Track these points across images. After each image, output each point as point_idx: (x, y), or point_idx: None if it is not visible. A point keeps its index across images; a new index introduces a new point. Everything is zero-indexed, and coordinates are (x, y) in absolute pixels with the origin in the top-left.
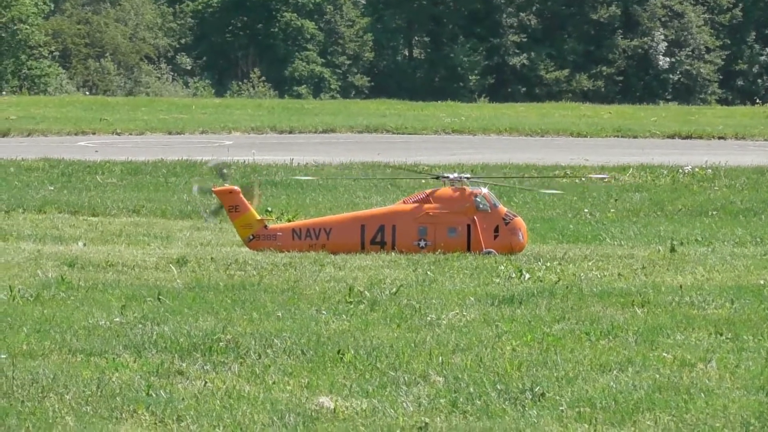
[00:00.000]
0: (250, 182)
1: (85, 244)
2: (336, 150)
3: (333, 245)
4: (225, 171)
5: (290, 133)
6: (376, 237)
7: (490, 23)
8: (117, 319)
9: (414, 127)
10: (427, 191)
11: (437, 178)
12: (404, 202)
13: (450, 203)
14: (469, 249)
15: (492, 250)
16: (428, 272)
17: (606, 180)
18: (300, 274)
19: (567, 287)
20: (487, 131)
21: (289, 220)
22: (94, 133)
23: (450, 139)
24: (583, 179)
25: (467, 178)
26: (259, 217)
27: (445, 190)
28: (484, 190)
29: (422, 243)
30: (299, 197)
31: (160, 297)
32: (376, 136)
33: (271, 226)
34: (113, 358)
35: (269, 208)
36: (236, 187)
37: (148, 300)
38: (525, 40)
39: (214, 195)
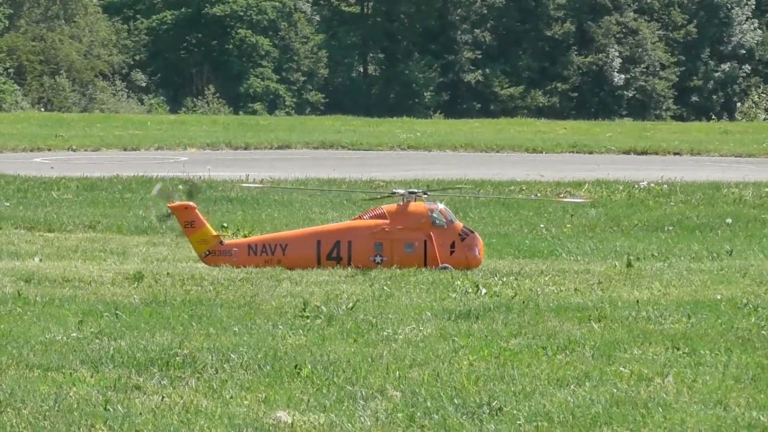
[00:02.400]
0: (197, 191)
1: (41, 260)
2: (291, 166)
3: (289, 261)
4: (171, 192)
5: (245, 149)
6: (332, 252)
7: (445, 40)
8: (74, 335)
9: (369, 143)
10: (384, 207)
11: (393, 194)
12: (360, 218)
13: (406, 219)
14: (425, 264)
15: (448, 265)
16: (384, 287)
17: (584, 201)
18: (256, 289)
19: (523, 302)
20: (442, 147)
21: (245, 236)
22: (49, 150)
23: (405, 155)
24: (561, 196)
25: (424, 193)
26: (215, 233)
27: (402, 206)
28: (441, 206)
29: (378, 258)
30: (255, 213)
31: (117, 312)
32: (332, 152)
33: (226, 241)
34: (70, 373)
35: (225, 224)
36: (192, 203)
37: (104, 315)
38: (480, 56)
39: (170, 209)
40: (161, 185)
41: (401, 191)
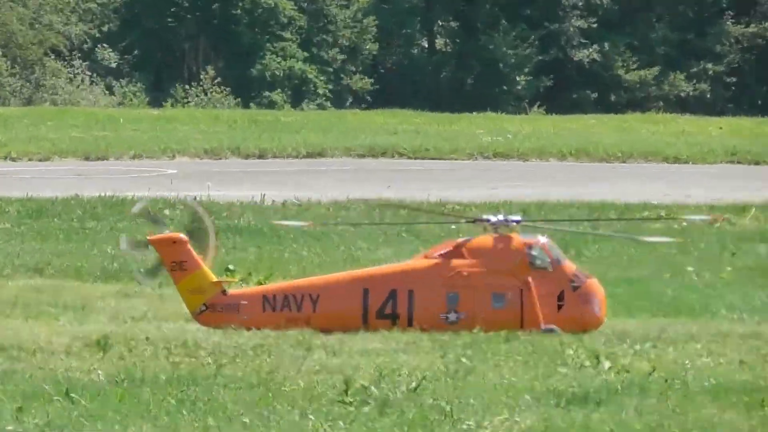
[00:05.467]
0: (200, 225)
1: None
2: (326, 181)
3: (322, 319)
4: (156, 217)
5: (260, 157)
6: (386, 307)
7: (544, 3)
8: (10, 428)
9: (439, 150)
10: (459, 241)
11: (474, 222)
12: (426, 257)
13: (493, 259)
14: (521, 325)
15: (554, 326)
16: (463, 359)
17: (711, 222)
18: (276, 361)
19: (665, 381)
20: (543, 155)
21: (260, 283)
22: None
23: (491, 167)
24: (679, 221)
25: (517, 221)
26: (215, 279)
27: (486, 240)
28: (543, 240)
29: (453, 316)
30: (274, 249)
31: (72, 395)
32: (384, 163)
33: (232, 291)
34: None
35: (231, 266)
36: (182, 235)
37: (55, 399)
38: (594, 26)
39: (150, 246)
40: (144, 204)
41: (487, 217)
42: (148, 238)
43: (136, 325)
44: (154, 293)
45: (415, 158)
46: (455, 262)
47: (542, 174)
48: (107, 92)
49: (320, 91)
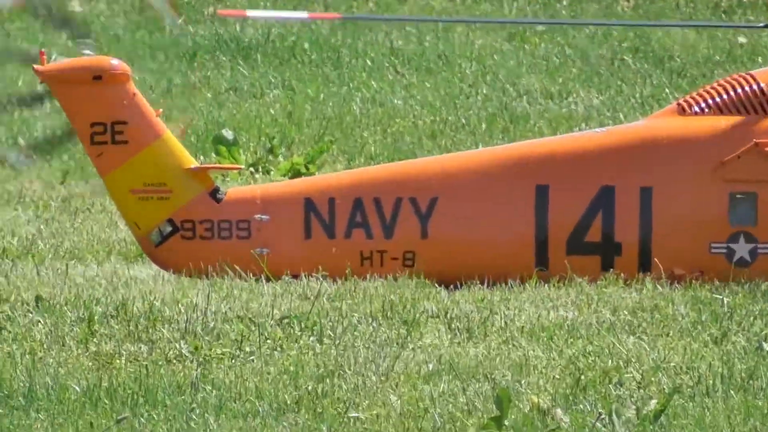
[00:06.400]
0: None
1: None
2: None
3: (442, 254)
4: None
5: None
6: (587, 227)
7: None
8: None
9: None
10: (750, 76)
11: None
12: (679, 111)
13: None
14: None
15: None
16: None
17: None
18: (339, 354)
19: None
20: None
21: (298, 174)
22: None
23: None
24: None
25: None
26: (194, 164)
27: None
28: None
29: (743, 247)
30: (319, 80)
31: None
32: None
33: (233, 191)
34: None
35: (228, 132)
36: (115, 62)
37: None
38: None
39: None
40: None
41: None
42: (35, 68)
43: (15, 268)
44: (43, 195)
45: None
46: (742, 123)
47: None
48: None
49: None
